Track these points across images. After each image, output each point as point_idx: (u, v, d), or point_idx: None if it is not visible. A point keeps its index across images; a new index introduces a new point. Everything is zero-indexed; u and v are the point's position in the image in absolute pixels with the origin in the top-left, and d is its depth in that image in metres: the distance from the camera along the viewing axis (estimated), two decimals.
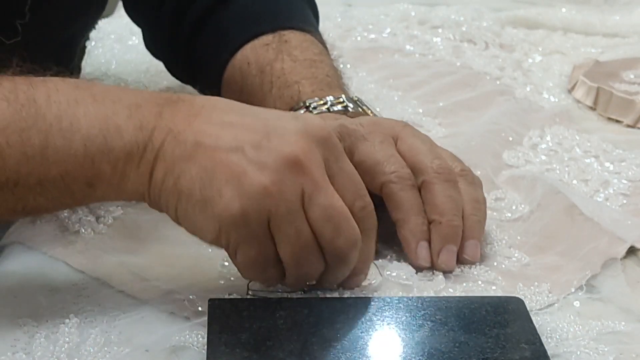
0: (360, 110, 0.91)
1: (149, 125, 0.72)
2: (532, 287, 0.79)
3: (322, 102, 0.90)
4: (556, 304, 0.78)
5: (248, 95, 0.95)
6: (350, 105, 0.90)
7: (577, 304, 0.78)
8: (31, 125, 0.70)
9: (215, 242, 0.73)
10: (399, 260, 0.81)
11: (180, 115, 0.72)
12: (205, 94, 1.02)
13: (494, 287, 0.79)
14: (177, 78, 1.09)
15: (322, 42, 1.01)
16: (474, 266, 0.81)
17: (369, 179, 0.79)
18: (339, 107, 0.90)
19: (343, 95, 0.91)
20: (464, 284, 0.79)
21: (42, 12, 0.90)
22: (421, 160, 0.82)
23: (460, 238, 0.81)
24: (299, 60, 0.95)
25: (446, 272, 0.80)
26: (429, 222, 0.81)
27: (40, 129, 0.70)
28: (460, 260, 0.81)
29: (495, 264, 0.82)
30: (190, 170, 0.71)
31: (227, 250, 0.73)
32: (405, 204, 0.81)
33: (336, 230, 0.72)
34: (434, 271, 0.80)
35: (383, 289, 0.78)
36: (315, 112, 0.89)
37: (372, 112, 0.92)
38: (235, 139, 0.71)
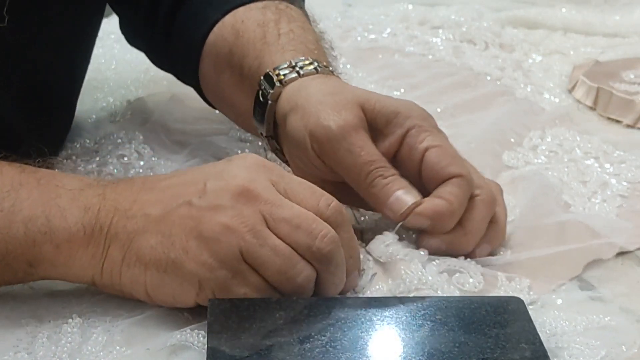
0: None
1: (93, 206, 0.73)
2: (512, 283, 0.79)
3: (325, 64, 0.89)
4: (547, 300, 0.78)
5: (242, 49, 0.92)
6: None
7: (570, 300, 0.79)
8: None
9: (201, 298, 0.73)
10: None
11: (122, 194, 0.74)
12: (190, 81, 1.01)
13: (476, 273, 0.79)
14: (158, 66, 1.06)
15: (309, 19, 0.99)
16: (461, 263, 0.81)
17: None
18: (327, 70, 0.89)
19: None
20: (446, 269, 0.79)
21: (21, 14, 0.88)
22: None
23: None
24: (305, 28, 0.93)
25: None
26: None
27: None
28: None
29: (481, 260, 0.82)
30: (149, 240, 0.72)
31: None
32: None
33: (309, 234, 0.72)
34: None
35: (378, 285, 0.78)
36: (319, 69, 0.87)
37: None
38: (179, 196, 0.72)
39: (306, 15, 0.98)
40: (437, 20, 1.33)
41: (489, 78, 1.19)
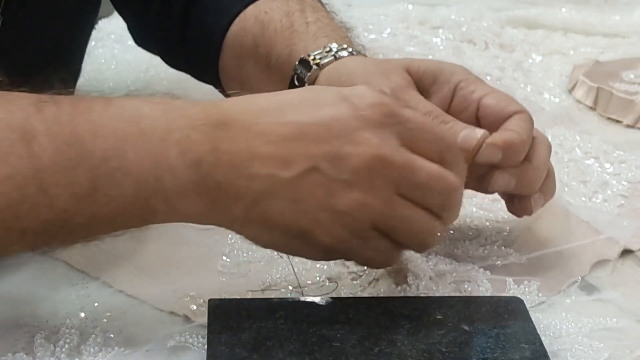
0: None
1: (205, 160, 0.67)
2: (521, 286, 0.79)
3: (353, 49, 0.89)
4: (549, 302, 0.78)
5: (269, 39, 0.91)
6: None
7: (572, 301, 0.78)
8: (77, 164, 0.66)
9: (327, 258, 0.73)
10: None
11: (236, 143, 0.68)
12: (206, 78, 1.00)
13: (484, 280, 0.79)
14: (172, 66, 1.05)
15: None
16: (463, 264, 0.81)
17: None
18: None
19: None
20: (453, 280, 0.80)
21: (17, 14, 0.87)
22: None
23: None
24: (329, 17, 0.93)
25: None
26: None
27: (87, 168, 0.66)
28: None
29: (487, 262, 0.83)
30: (277, 204, 0.68)
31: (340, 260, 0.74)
32: None
33: (440, 194, 0.71)
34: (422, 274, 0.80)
35: (379, 285, 0.78)
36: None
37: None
38: (306, 157, 0.68)
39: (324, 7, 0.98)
40: (437, 20, 1.33)
41: (489, 78, 1.18)
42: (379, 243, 0.71)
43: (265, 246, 0.73)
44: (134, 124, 0.68)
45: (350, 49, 0.88)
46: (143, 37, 1.06)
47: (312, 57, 0.87)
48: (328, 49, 0.88)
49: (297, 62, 0.88)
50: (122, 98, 0.70)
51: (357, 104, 0.70)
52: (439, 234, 0.72)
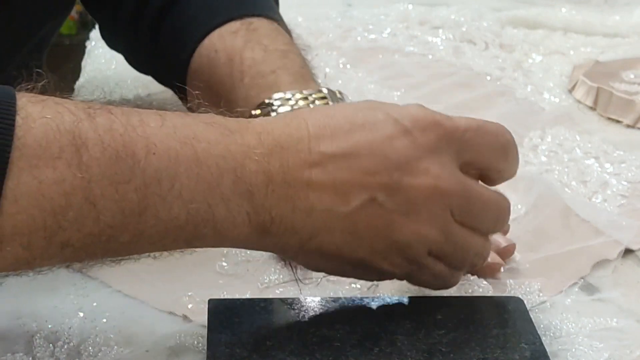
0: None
1: (259, 191, 0.66)
2: (522, 286, 0.79)
3: (302, 95, 0.85)
4: (550, 302, 0.78)
5: (217, 84, 0.91)
6: (332, 100, 0.86)
7: (572, 301, 0.78)
8: (128, 180, 0.62)
9: (380, 280, 0.74)
10: None
11: (290, 173, 0.66)
12: (169, 84, 0.99)
13: (484, 283, 0.79)
14: (138, 70, 1.05)
15: (288, 32, 0.97)
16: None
17: None
18: (321, 103, 0.85)
19: (325, 89, 0.87)
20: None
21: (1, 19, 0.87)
22: None
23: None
24: (269, 50, 0.91)
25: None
26: None
27: (137, 186, 0.63)
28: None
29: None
30: (333, 238, 0.68)
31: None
32: None
33: (496, 218, 0.72)
34: None
35: (379, 289, 0.78)
36: (296, 106, 0.84)
37: None
38: (362, 187, 0.67)
39: (279, 24, 0.96)
40: (437, 20, 1.33)
41: (489, 78, 1.19)
42: (435, 268, 0.71)
43: (317, 270, 0.73)
44: (188, 146, 0.65)
45: (274, 104, 0.85)
46: (114, 40, 1.05)
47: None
48: (254, 113, 0.86)
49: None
50: (174, 114, 0.67)
51: (410, 128, 0.68)
52: (485, 256, 0.74)
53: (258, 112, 0.85)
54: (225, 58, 0.91)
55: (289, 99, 0.85)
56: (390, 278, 0.73)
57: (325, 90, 0.86)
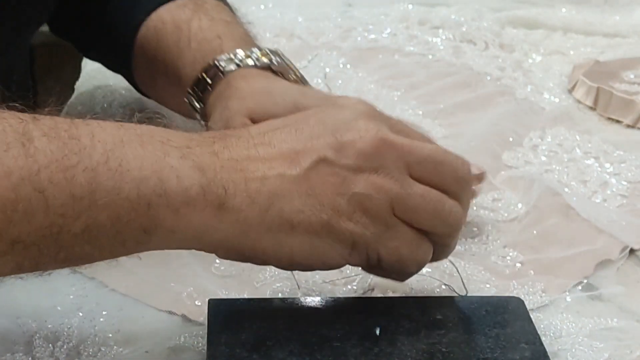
0: (285, 63, 0.88)
1: (208, 167, 0.66)
2: (525, 287, 0.79)
3: (246, 53, 0.87)
4: (550, 302, 0.78)
5: (163, 53, 0.93)
6: (275, 58, 0.87)
7: (572, 301, 0.78)
8: (75, 163, 0.62)
9: (353, 258, 0.69)
10: None
11: (236, 151, 0.68)
12: (116, 63, 1.02)
13: (487, 285, 0.79)
14: (88, 56, 1.08)
15: (233, 11, 0.99)
16: (467, 265, 0.81)
17: None
18: (265, 59, 0.87)
19: (266, 49, 0.88)
20: (453, 280, 0.79)
21: None
22: None
23: None
24: (215, 19, 0.93)
25: None
26: None
27: (86, 167, 0.62)
28: None
29: (489, 263, 0.83)
30: (293, 202, 0.67)
31: (367, 263, 0.70)
32: None
33: (450, 165, 0.71)
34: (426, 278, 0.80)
35: (376, 292, 0.78)
36: (241, 64, 0.86)
37: (294, 66, 0.89)
38: (309, 151, 0.68)
39: (225, 3, 0.99)
40: (437, 20, 1.33)
41: (489, 78, 1.18)
42: (403, 231, 0.69)
43: (290, 259, 0.68)
44: (131, 132, 0.66)
45: (222, 66, 0.87)
46: (62, 26, 1.06)
47: (193, 89, 0.88)
48: (201, 77, 0.88)
49: (187, 91, 0.89)
50: (118, 123, 0.68)
51: (345, 103, 0.72)
52: (461, 217, 0.71)
53: (204, 75, 0.87)
54: (173, 27, 0.93)
55: (233, 58, 0.87)
56: (362, 254, 0.69)
57: (265, 49, 0.88)
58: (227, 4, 0.99)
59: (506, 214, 0.89)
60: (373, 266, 0.70)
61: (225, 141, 0.68)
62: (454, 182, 0.70)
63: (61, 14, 1.02)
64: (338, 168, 0.67)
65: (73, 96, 1.10)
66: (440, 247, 0.72)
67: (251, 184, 0.66)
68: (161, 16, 0.95)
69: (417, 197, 0.69)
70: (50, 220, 0.62)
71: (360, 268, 0.72)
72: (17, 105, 0.66)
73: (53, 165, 0.62)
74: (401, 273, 0.72)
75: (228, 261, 0.80)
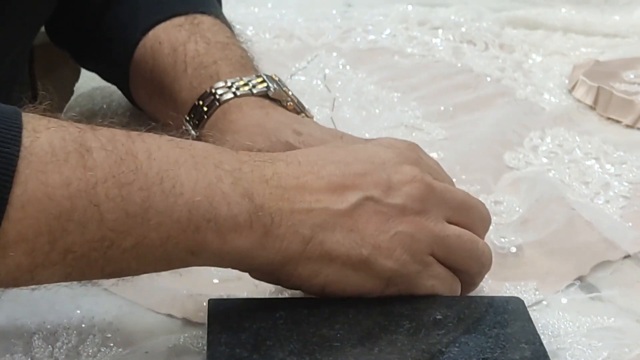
0: (282, 90, 0.89)
1: (257, 193, 0.68)
2: (518, 287, 0.79)
3: (243, 82, 0.88)
4: (548, 301, 0.78)
5: (159, 74, 0.93)
6: (272, 85, 0.89)
7: (571, 301, 0.79)
8: (132, 181, 0.64)
9: (382, 293, 0.72)
10: None
11: (286, 179, 0.69)
12: (112, 77, 1.02)
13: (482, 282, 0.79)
14: (83, 66, 1.08)
15: (230, 27, 1.00)
16: None
17: None
18: (262, 87, 0.88)
19: (263, 75, 0.90)
20: None
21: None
22: None
23: None
24: (212, 42, 0.93)
25: None
26: None
27: (141, 186, 0.64)
28: None
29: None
30: (335, 235, 0.69)
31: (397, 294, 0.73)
32: None
33: (480, 210, 0.76)
34: None
35: None
36: (238, 92, 0.87)
37: (290, 92, 0.90)
38: (357, 188, 0.70)
39: (222, 21, 0.99)
40: (436, 21, 1.32)
41: (489, 79, 1.18)
42: (438, 270, 0.73)
43: (322, 286, 0.71)
44: (186, 151, 0.67)
45: (231, 80, 0.89)
46: (58, 34, 1.06)
47: (190, 116, 0.89)
48: (197, 104, 0.89)
49: (185, 117, 0.89)
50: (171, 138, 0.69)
51: (394, 143, 0.75)
52: (491, 256, 0.76)
53: (201, 102, 0.88)
54: (169, 49, 0.93)
55: (231, 87, 0.88)
56: (393, 289, 0.72)
57: (263, 75, 0.89)
58: (224, 21, 0.99)
59: (507, 217, 0.89)
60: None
61: (274, 166, 0.70)
62: (481, 224, 0.76)
63: (59, 22, 1.03)
64: (383, 207, 0.70)
65: (72, 97, 1.10)
66: (467, 286, 0.76)
67: (297, 215, 0.68)
68: (158, 36, 0.95)
69: (455, 237, 0.73)
70: (102, 233, 0.63)
71: None
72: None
73: (110, 181, 0.64)
74: None
75: None
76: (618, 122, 1.09)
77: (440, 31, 1.30)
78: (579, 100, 1.13)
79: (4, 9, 0.87)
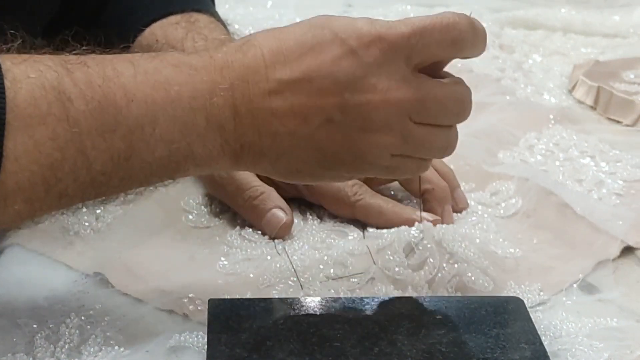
0: None
1: (228, 124, 0.71)
2: (523, 286, 0.79)
3: None
4: (550, 302, 0.78)
5: None
6: None
7: (572, 301, 0.79)
8: (113, 129, 0.67)
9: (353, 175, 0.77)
10: (391, 251, 0.81)
11: (253, 104, 0.71)
12: None
13: (487, 277, 0.79)
14: None
15: (225, 26, 1.02)
16: (468, 250, 0.81)
17: None
18: None
19: None
20: (457, 271, 0.80)
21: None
22: None
23: (449, 196, 0.89)
24: (209, 39, 0.95)
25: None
26: (422, 193, 0.88)
27: (123, 133, 0.68)
28: (456, 210, 0.90)
29: (489, 252, 0.83)
30: (300, 155, 0.72)
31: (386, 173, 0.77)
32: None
33: (456, 109, 0.75)
34: (427, 261, 0.80)
35: (377, 283, 0.78)
36: None
37: None
38: (319, 112, 0.71)
39: (217, 19, 1.01)
40: None
41: (489, 79, 1.18)
42: (406, 164, 0.75)
43: (293, 177, 0.75)
44: (162, 90, 0.70)
45: None
46: (51, 32, 1.06)
47: None
48: None
49: None
50: (144, 58, 0.71)
51: (355, 48, 0.72)
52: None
53: None
54: (167, 47, 0.95)
55: None
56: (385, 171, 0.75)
57: None
58: (218, 19, 1.01)
59: (504, 208, 0.89)
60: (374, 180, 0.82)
61: (243, 89, 0.71)
62: (454, 118, 0.75)
63: (56, 22, 1.03)
64: (344, 128, 0.72)
65: None
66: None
67: (264, 139, 0.71)
68: (154, 33, 0.97)
69: (415, 144, 0.73)
70: (92, 177, 0.68)
71: (362, 266, 0.76)
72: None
73: (93, 131, 0.67)
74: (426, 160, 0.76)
75: (233, 260, 0.81)
76: (618, 122, 1.09)
77: None
78: (579, 101, 1.13)
79: (8, 10, 0.87)
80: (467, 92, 0.75)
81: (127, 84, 0.69)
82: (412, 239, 0.81)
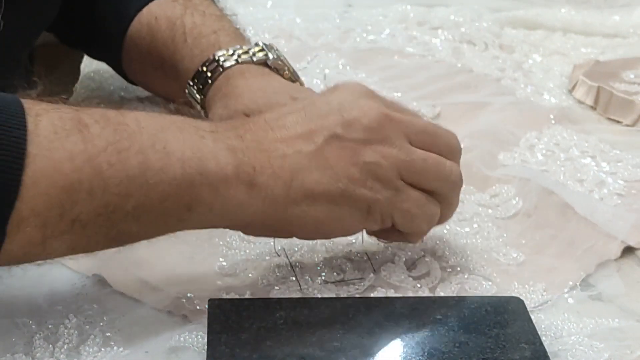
0: (279, 59, 0.95)
1: (237, 148, 0.73)
2: (527, 286, 0.79)
3: (243, 50, 0.94)
4: (551, 302, 0.78)
5: (158, 48, 0.98)
6: (270, 53, 0.94)
7: (572, 301, 0.78)
8: (128, 147, 0.69)
9: (368, 222, 0.76)
10: (392, 262, 0.82)
11: (257, 134, 0.75)
12: (103, 54, 1.07)
13: (489, 283, 0.79)
14: (69, 44, 1.11)
15: (217, 6, 1.04)
16: (470, 259, 0.81)
17: None
18: (261, 54, 0.94)
19: (262, 44, 0.95)
20: (459, 280, 0.80)
21: (15, 19, 0.89)
22: None
23: None
24: (207, 14, 0.99)
25: None
26: None
27: (137, 150, 0.69)
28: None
29: (491, 260, 0.83)
30: (312, 175, 0.74)
31: (382, 226, 0.77)
32: None
33: (446, 136, 0.79)
34: (429, 270, 0.81)
35: (377, 289, 0.78)
36: (239, 59, 0.93)
37: (287, 62, 0.96)
38: (321, 129, 0.75)
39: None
40: (436, 21, 1.32)
41: (489, 79, 1.18)
42: (410, 192, 0.76)
43: (313, 228, 0.75)
44: (168, 122, 0.73)
45: (221, 58, 0.93)
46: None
47: (194, 81, 0.94)
48: (201, 69, 0.94)
49: (186, 88, 0.95)
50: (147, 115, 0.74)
51: (354, 95, 0.77)
52: (460, 174, 0.79)
53: (204, 68, 0.94)
54: (167, 24, 0.98)
55: (232, 54, 0.94)
56: (377, 218, 0.76)
57: (261, 44, 0.95)
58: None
59: (505, 211, 0.89)
60: (388, 230, 0.78)
61: (245, 127, 0.75)
62: (447, 148, 0.78)
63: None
64: (349, 142, 0.75)
65: (72, 97, 1.10)
66: (445, 205, 0.79)
67: (274, 161, 0.73)
68: (153, 12, 0.99)
69: (420, 160, 0.76)
70: (107, 199, 0.68)
71: (361, 272, 0.76)
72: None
73: (109, 149, 0.69)
74: (414, 232, 0.79)
75: (232, 260, 0.80)
76: (618, 122, 1.09)
77: (439, 31, 1.30)
78: (579, 101, 1.13)
79: (11, 8, 0.87)
80: (455, 137, 0.80)
81: (138, 116, 0.72)
82: (415, 256, 0.82)
